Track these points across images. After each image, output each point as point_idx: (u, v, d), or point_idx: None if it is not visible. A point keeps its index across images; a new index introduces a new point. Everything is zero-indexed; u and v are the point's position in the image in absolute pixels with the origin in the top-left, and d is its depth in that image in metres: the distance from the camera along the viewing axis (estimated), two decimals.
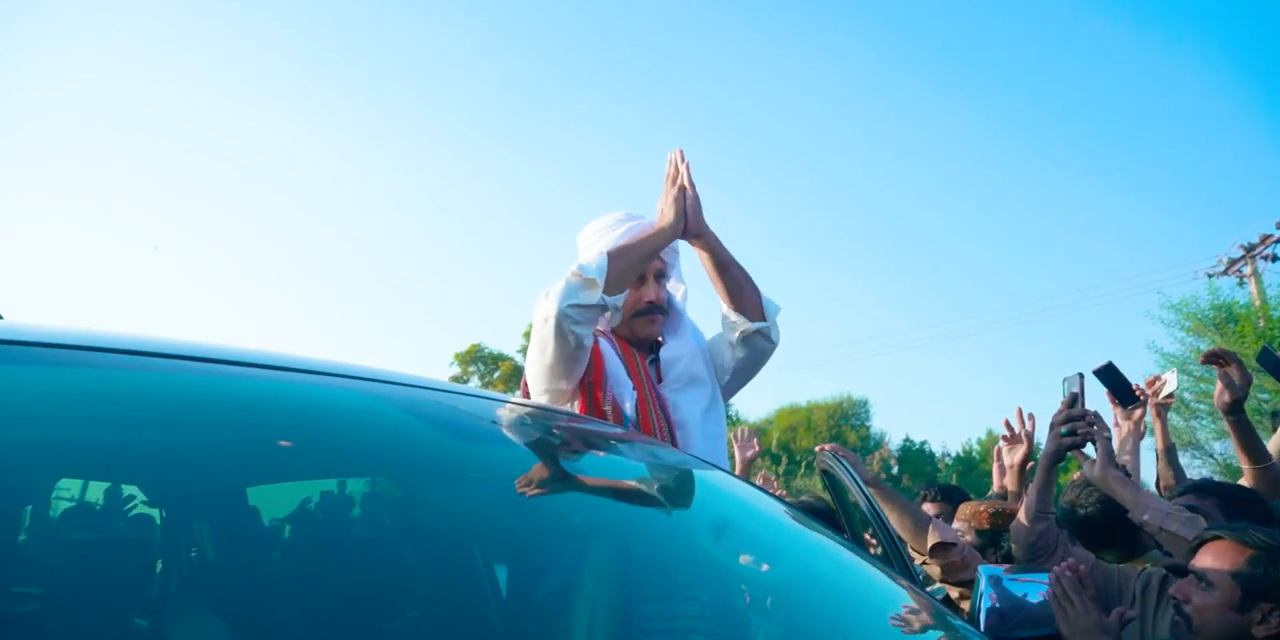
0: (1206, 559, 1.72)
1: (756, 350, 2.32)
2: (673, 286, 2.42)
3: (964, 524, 3.04)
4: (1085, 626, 1.80)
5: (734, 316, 2.28)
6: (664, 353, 2.30)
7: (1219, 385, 2.50)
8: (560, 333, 2.05)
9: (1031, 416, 3.02)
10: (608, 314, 2.16)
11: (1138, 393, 2.88)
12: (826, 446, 2.62)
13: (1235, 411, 2.50)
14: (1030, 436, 3.05)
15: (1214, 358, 2.53)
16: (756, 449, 3.86)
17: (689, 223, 2.20)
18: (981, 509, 3.11)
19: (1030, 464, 3.12)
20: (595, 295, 2.04)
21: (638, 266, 2.16)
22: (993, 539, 3.02)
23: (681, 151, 2.26)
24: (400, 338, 41.73)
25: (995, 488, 3.30)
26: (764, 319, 2.29)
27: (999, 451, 3.30)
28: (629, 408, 2.13)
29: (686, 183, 2.21)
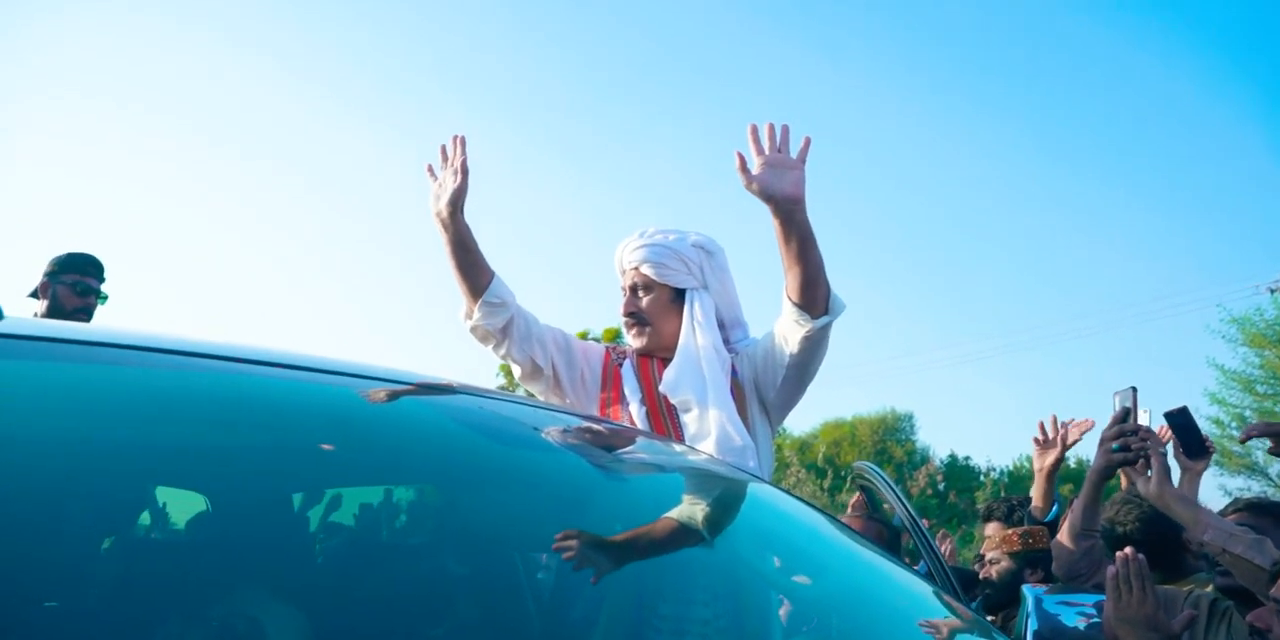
0: None
1: (815, 344, 2.17)
2: (707, 299, 2.29)
3: (997, 551, 3.02)
4: (1136, 617, 1.72)
5: (798, 314, 2.12)
6: (667, 371, 2.23)
7: None
8: (492, 342, 2.26)
9: (1065, 424, 2.94)
10: (502, 307, 2.22)
11: (1208, 444, 2.73)
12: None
13: None
14: (1064, 441, 2.94)
15: None
16: None
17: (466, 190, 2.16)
18: (1010, 532, 3.10)
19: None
20: (473, 314, 2.23)
21: (456, 262, 2.21)
22: (1029, 560, 2.96)
23: (455, 139, 2.21)
24: (450, 346, 42.14)
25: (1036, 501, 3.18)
26: (827, 314, 2.13)
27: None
28: (639, 419, 2.19)
29: (433, 168, 2.21)
